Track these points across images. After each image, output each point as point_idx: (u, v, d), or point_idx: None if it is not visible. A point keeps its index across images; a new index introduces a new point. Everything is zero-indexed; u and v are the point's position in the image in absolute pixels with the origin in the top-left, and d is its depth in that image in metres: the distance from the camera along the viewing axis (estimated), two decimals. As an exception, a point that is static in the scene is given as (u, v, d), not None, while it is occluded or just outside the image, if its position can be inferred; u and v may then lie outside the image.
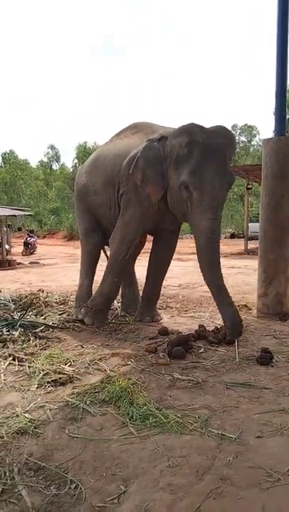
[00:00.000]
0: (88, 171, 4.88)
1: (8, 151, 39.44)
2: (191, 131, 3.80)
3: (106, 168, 4.57)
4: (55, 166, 41.03)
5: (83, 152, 34.29)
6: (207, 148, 3.68)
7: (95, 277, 5.12)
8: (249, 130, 37.19)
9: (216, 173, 3.67)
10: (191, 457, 2.03)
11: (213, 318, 4.77)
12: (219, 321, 4.59)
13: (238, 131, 37.12)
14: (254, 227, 15.90)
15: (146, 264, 4.80)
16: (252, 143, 37.37)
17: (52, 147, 41.42)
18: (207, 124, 3.88)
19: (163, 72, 74.38)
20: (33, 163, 42.33)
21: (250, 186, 15.30)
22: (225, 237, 21.30)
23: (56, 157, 41.48)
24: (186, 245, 17.48)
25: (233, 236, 21.14)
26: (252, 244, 14.41)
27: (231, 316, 3.81)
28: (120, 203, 4.38)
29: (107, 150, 4.81)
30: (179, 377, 3.05)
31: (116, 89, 71.14)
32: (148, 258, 4.78)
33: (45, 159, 41.65)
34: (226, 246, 16.51)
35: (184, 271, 8.83)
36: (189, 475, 1.90)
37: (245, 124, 37.21)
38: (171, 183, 3.91)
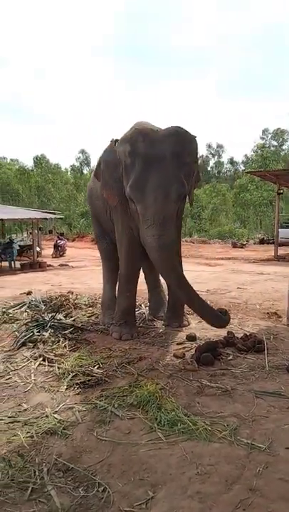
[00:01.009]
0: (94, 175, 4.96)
1: (39, 155, 40.26)
2: (134, 139, 3.60)
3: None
4: (86, 171, 41.58)
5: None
6: (149, 159, 3.47)
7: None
8: (281, 134, 36.52)
9: (159, 185, 3.44)
10: (219, 465, 2.01)
11: (243, 325, 4.71)
12: (248, 328, 4.54)
13: (269, 135, 36.56)
14: (284, 232, 15.61)
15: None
16: (283, 147, 36.72)
17: (83, 152, 42.02)
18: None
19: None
20: (65, 167, 43.11)
21: (281, 191, 15.02)
22: (254, 243, 20.98)
23: (87, 161, 42.04)
24: (213, 250, 17.36)
25: (262, 242, 20.77)
26: (282, 250, 14.14)
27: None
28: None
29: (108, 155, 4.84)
30: (208, 384, 3.02)
31: (148, 94, 71.53)
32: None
33: (77, 163, 42.32)
34: (255, 252, 16.28)
35: (212, 276, 8.75)
36: (218, 484, 1.88)
37: (278, 129, 36.58)
38: (126, 191, 3.74)
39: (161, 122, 3.97)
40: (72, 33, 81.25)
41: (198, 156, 4.06)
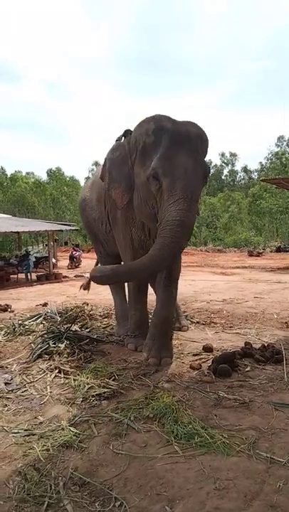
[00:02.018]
0: (89, 186, 4.95)
1: (54, 168, 40.82)
2: (158, 118, 3.46)
3: (99, 185, 4.46)
4: (100, 182, 42.00)
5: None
6: (177, 134, 3.31)
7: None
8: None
9: (188, 157, 3.27)
10: (238, 480, 1.96)
11: (260, 336, 4.63)
12: (266, 339, 4.46)
13: (284, 142, 36.34)
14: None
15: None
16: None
17: (96, 164, 42.39)
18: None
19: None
20: (82, 179, 43.63)
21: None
22: (271, 251, 20.77)
23: (101, 174, 42.51)
24: (229, 259, 17.20)
25: (279, 250, 20.55)
26: (299, 259, 13.97)
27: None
28: (109, 220, 4.36)
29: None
30: (225, 395, 2.97)
31: (160, 105, 72.26)
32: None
33: (91, 176, 42.78)
34: (271, 260, 16.09)
35: (227, 286, 8.66)
36: (237, 499, 1.83)
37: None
38: (137, 181, 3.57)
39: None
40: (84, 46, 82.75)
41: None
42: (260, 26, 74.19)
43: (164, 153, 3.27)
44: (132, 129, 3.67)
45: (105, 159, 3.82)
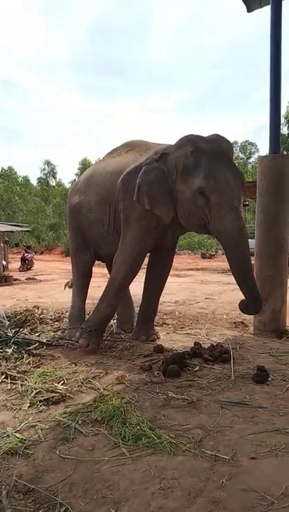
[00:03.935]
0: (82, 190, 4.88)
1: (6, 168, 39.70)
2: (194, 140, 3.79)
3: (100, 186, 4.55)
4: (52, 182, 41.07)
5: (82, 168, 34.46)
6: (213, 153, 3.66)
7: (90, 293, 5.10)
8: (249, 147, 37.52)
9: (228, 172, 3.63)
10: (183, 479, 1.99)
11: (210, 336, 4.74)
12: (215, 338, 4.58)
13: (238, 148, 37.45)
14: (251, 243, 15.93)
15: (143, 281, 4.77)
16: (250, 160, 37.73)
17: (48, 163, 41.45)
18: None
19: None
20: (34, 179, 42.51)
21: (247, 203, 15.43)
22: (222, 253, 21.35)
23: (52, 173, 41.43)
24: (183, 261, 17.50)
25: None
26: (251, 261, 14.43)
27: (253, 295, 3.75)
28: (116, 222, 4.37)
29: (100, 168, 4.82)
30: (174, 396, 3.00)
31: (116, 105, 72.23)
32: (144, 275, 4.75)
33: (42, 175, 41.64)
34: (223, 262, 16.50)
35: (180, 287, 8.81)
36: (181, 498, 1.85)
37: (246, 141, 37.56)
38: (181, 196, 3.81)
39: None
40: (36, 44, 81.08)
41: None
42: (215, 36, 76.28)
43: (206, 172, 3.60)
44: (167, 152, 3.93)
45: (139, 183, 3.90)
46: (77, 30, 79.68)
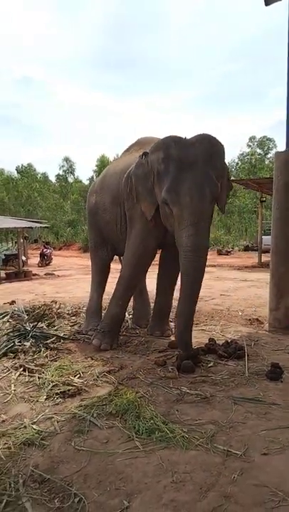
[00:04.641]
0: (98, 190, 4.95)
1: (25, 165, 40.09)
2: (167, 145, 3.69)
3: (112, 187, 4.58)
4: (70, 179, 41.31)
5: (100, 165, 34.50)
6: (183, 162, 3.54)
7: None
8: (267, 143, 36.93)
9: (194, 185, 3.49)
10: (195, 473, 2.02)
11: (224, 332, 4.74)
12: (230, 335, 4.58)
13: (256, 143, 36.91)
14: (268, 239, 15.74)
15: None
16: (267, 156, 37.18)
17: (67, 160, 41.65)
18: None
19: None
20: (52, 176, 42.82)
21: (264, 199, 15.21)
22: (239, 250, 21.19)
23: (71, 169, 41.67)
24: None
25: (247, 249, 21.01)
26: (266, 257, 14.29)
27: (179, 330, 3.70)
28: (126, 221, 4.40)
29: (113, 168, 4.87)
30: (187, 391, 3.03)
31: (130, 100, 72.09)
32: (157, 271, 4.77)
33: (61, 172, 41.88)
34: (239, 259, 16.44)
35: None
36: (193, 491, 1.88)
37: (264, 136, 36.97)
38: (158, 198, 3.79)
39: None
40: (57, 43, 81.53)
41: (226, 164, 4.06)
42: (227, 31, 75.26)
43: (170, 184, 3.54)
44: (148, 153, 3.87)
45: (130, 175, 3.95)
46: (87, 28, 79.46)
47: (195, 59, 74.10)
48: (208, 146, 3.68)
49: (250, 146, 36.33)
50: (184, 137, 3.76)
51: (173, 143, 3.67)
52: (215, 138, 3.76)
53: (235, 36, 74.72)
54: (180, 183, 3.50)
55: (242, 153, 34.41)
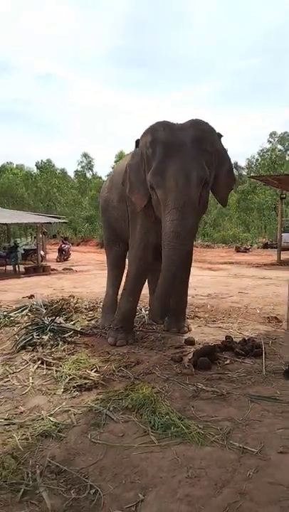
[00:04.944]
0: (108, 187, 4.99)
1: (44, 161, 40.40)
2: (155, 129, 3.61)
3: (118, 185, 4.53)
4: (89, 175, 41.45)
5: (118, 162, 34.46)
6: (169, 145, 3.45)
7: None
8: (288, 139, 36.32)
9: (180, 169, 3.37)
10: (210, 469, 2.02)
11: (242, 330, 4.71)
12: (247, 333, 4.55)
13: (276, 139, 36.35)
14: (287, 237, 15.58)
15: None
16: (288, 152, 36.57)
17: (86, 155, 41.78)
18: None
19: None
20: (71, 172, 43.08)
21: (284, 196, 14.98)
22: (258, 247, 20.94)
23: (90, 166, 41.78)
24: (217, 254, 17.33)
25: (266, 246, 20.73)
26: (285, 255, 14.12)
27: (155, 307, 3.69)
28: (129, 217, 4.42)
29: (120, 166, 4.85)
30: (203, 388, 3.03)
31: (148, 102, 71.87)
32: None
33: (79, 168, 42.04)
34: (258, 256, 16.25)
35: (213, 281, 8.74)
36: (207, 487, 1.89)
37: (285, 132, 36.37)
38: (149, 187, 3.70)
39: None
40: (74, 40, 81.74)
41: (227, 153, 3.94)
42: (249, 25, 73.98)
43: (156, 167, 3.44)
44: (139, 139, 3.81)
45: (126, 166, 3.93)
46: (109, 24, 79.29)
47: (215, 55, 73.17)
48: (198, 129, 3.58)
49: (270, 141, 35.81)
50: (175, 122, 3.68)
51: (162, 127, 3.59)
52: (207, 123, 3.68)
53: (255, 32, 73.60)
54: (166, 167, 3.38)
55: (262, 149, 33.93)
